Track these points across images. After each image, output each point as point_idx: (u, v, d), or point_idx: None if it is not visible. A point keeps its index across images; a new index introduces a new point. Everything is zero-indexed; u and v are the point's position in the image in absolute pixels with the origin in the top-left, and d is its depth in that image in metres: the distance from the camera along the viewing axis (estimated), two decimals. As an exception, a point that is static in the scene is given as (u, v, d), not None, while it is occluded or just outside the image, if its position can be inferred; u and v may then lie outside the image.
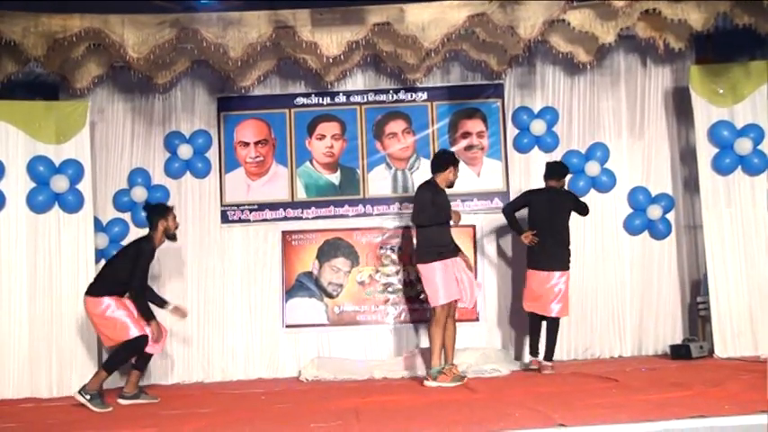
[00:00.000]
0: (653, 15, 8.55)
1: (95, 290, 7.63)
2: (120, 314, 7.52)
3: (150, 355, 7.88)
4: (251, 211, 9.74)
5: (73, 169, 8.78)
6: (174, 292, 9.57)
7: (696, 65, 9.32)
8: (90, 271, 8.81)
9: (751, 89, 9.01)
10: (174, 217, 7.98)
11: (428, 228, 7.96)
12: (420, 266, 7.96)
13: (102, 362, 8.94)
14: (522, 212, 8.81)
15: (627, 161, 9.79)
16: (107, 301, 7.53)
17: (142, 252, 7.67)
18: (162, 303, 8.09)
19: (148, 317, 7.57)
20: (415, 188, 9.59)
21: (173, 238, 7.98)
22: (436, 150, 9.71)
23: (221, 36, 8.35)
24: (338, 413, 5.94)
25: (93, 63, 8.95)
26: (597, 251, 9.71)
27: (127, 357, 7.68)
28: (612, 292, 9.65)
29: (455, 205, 9.60)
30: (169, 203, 8.66)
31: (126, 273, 7.57)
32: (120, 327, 7.51)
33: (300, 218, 9.75)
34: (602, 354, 9.55)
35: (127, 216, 9.62)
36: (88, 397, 7.28)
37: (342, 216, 9.76)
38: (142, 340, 7.53)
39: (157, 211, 7.93)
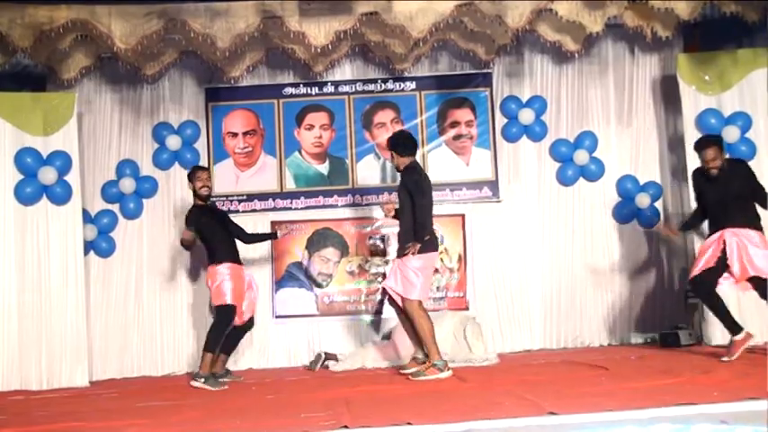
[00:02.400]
0: (640, 4, 8.55)
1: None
2: (224, 282, 8.12)
3: (238, 336, 8.45)
4: (240, 201, 9.72)
5: (61, 161, 8.74)
6: (165, 283, 9.59)
7: (684, 53, 9.34)
8: (79, 262, 8.80)
9: (738, 77, 9.03)
10: (199, 177, 8.34)
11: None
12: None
13: (90, 354, 8.98)
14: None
15: (615, 150, 9.81)
16: (220, 270, 8.17)
17: (186, 221, 8.19)
18: (272, 236, 8.95)
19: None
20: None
21: (202, 198, 8.33)
22: (425, 140, 9.78)
23: (209, 27, 8.32)
24: (328, 403, 5.95)
25: (81, 54, 8.91)
26: (586, 239, 9.73)
27: (220, 332, 8.07)
28: (601, 280, 9.68)
29: (443, 195, 9.69)
30: (159, 192, 9.67)
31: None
32: (216, 293, 8.14)
33: (289, 208, 9.74)
34: (591, 342, 9.58)
35: (115, 207, 9.60)
36: (203, 380, 7.77)
37: (331, 206, 9.76)
38: (230, 310, 8.07)
39: (188, 176, 8.48)
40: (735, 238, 7.49)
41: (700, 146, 7.83)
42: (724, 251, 7.52)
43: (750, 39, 9.23)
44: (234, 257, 8.31)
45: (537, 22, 8.83)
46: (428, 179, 7.74)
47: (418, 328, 7.54)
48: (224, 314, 8.06)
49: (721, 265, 7.55)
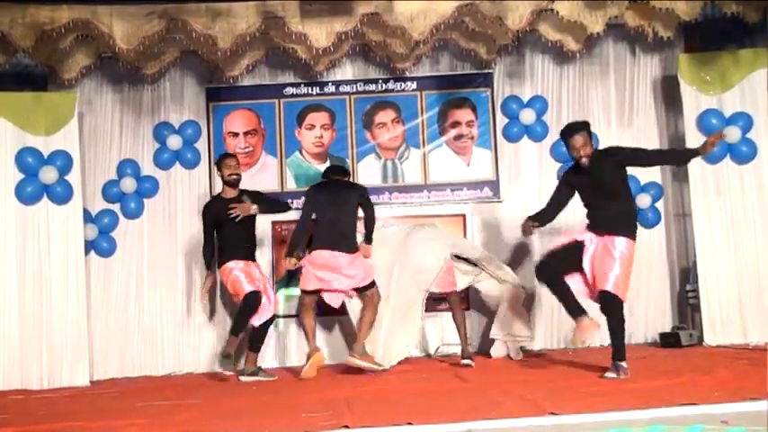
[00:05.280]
0: (641, 4, 8.56)
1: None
2: (236, 274, 8.23)
3: (262, 331, 8.44)
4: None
5: (62, 160, 8.75)
6: (165, 283, 9.60)
7: (685, 53, 9.34)
8: (80, 262, 8.82)
9: (739, 77, 9.03)
10: (227, 164, 8.45)
11: None
12: None
13: (91, 353, 8.99)
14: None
15: (616, 150, 9.81)
16: (229, 266, 8.29)
17: (202, 215, 8.61)
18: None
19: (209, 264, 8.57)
20: (405, 178, 9.67)
21: (230, 184, 8.41)
22: (426, 140, 9.79)
23: (210, 27, 8.32)
24: (329, 402, 5.95)
25: (82, 54, 8.91)
26: (587, 240, 9.73)
27: (244, 316, 8.19)
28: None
29: (444, 195, 9.71)
30: (159, 192, 9.75)
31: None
32: (236, 285, 8.23)
33: (290, 208, 9.73)
34: (591, 342, 9.55)
35: (116, 207, 9.60)
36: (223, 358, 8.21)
37: (332, 206, 9.75)
38: (252, 297, 8.10)
39: (216, 165, 8.74)
40: (599, 242, 6.87)
41: (566, 133, 7.12)
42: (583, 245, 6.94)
43: (751, 39, 9.24)
44: (240, 255, 8.34)
45: (538, 22, 8.83)
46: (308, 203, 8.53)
47: None
48: (247, 300, 8.12)
49: (576, 260, 6.96)
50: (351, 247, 8.32)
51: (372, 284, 8.37)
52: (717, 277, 8.88)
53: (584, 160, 6.95)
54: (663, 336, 9.08)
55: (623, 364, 6.62)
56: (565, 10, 8.50)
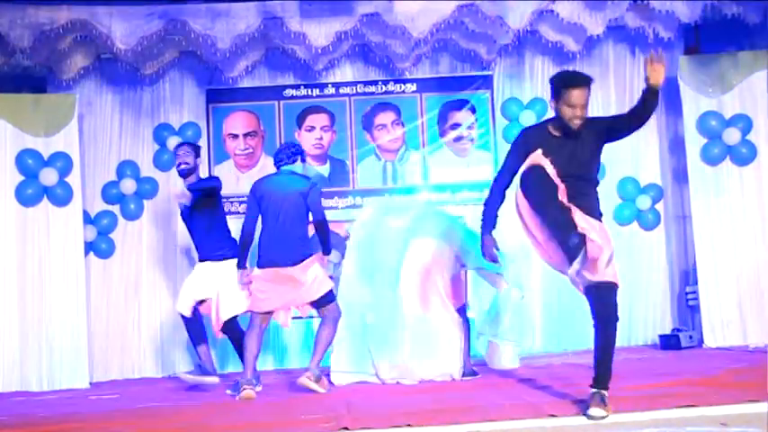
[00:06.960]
0: (641, 6, 8.58)
1: None
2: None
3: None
4: (240, 203, 9.68)
5: (62, 162, 8.74)
6: (165, 284, 9.59)
7: (685, 55, 9.33)
8: (79, 264, 8.82)
9: (739, 79, 9.01)
10: (177, 153, 7.91)
11: None
12: None
13: (91, 355, 8.97)
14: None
15: (615, 151, 9.76)
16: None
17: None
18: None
19: None
20: (405, 180, 9.66)
21: (180, 175, 7.92)
22: (426, 141, 9.78)
23: (209, 27, 8.34)
24: (329, 404, 5.95)
25: (80, 54, 8.92)
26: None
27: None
28: (602, 283, 9.67)
29: (444, 196, 9.70)
30: (159, 193, 9.69)
31: None
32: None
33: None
34: (591, 344, 9.54)
35: (116, 209, 9.59)
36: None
37: (331, 208, 9.68)
38: (186, 323, 8.07)
39: None
40: None
41: (567, 81, 5.58)
42: None
43: (751, 41, 9.25)
44: (199, 255, 7.97)
45: (538, 23, 8.85)
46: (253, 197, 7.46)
47: None
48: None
49: None
50: (299, 259, 7.25)
51: (331, 298, 7.39)
52: (717, 279, 8.86)
53: (577, 122, 5.42)
54: (663, 337, 9.06)
55: None
56: (565, 11, 8.52)
